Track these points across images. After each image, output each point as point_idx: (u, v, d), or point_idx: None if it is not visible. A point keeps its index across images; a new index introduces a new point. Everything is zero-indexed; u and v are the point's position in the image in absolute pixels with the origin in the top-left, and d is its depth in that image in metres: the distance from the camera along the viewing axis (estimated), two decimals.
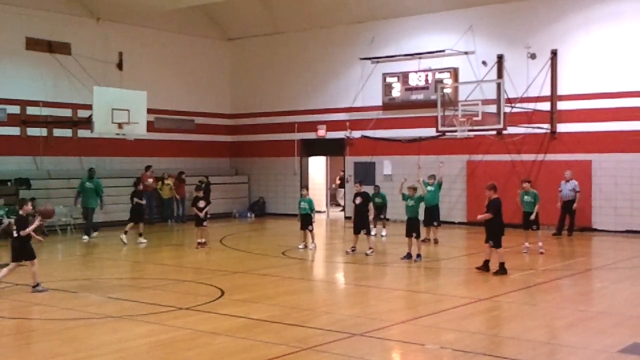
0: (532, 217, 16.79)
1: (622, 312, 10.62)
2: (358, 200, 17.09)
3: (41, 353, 8.55)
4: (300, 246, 17.83)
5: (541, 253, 16.58)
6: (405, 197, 16.00)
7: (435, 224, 18.62)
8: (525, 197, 17.04)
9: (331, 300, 12.25)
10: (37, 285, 12.25)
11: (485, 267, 14.04)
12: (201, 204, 18.36)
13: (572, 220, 20.47)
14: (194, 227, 18.68)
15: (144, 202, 20.21)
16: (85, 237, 20.20)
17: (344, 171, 27.49)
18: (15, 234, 12.24)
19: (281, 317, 10.25)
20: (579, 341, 8.94)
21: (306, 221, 17.67)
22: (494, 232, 14.02)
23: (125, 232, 19.06)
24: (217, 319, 10.15)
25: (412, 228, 15.71)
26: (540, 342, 8.95)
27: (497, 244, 13.99)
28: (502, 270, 13.81)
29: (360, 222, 17.00)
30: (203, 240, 18.24)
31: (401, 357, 8.64)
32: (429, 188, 18.13)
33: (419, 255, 15.69)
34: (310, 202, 17.82)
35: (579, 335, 9.29)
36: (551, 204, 20.03)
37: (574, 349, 8.63)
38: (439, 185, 18.61)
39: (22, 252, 12.26)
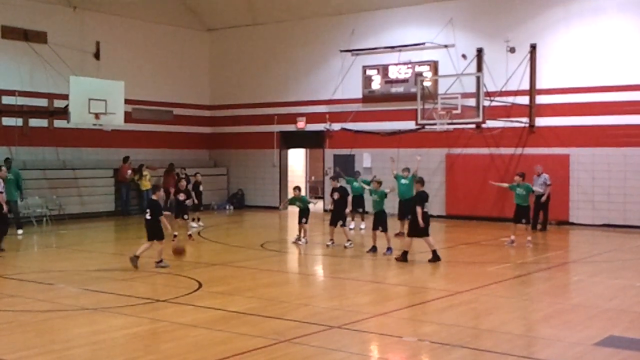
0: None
1: (598, 305, 10.69)
2: (336, 196, 17.33)
3: (16, 345, 8.43)
4: (301, 241, 17.69)
5: (528, 247, 16.67)
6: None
7: (409, 217, 18.59)
8: (518, 189, 17.10)
9: (309, 293, 12.24)
10: (161, 261, 13.61)
11: (404, 257, 14.57)
12: (181, 196, 18.25)
13: (545, 214, 20.55)
14: (174, 219, 18.55)
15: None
16: (20, 231, 19.28)
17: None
18: (148, 217, 13.55)
19: (259, 309, 10.21)
20: (556, 334, 8.99)
21: (302, 215, 17.67)
22: (416, 223, 14.48)
23: (193, 219, 20.23)
24: (194, 311, 10.09)
25: (378, 222, 15.88)
26: (517, 335, 9.00)
27: (421, 233, 14.48)
28: (435, 257, 14.47)
29: (336, 215, 17.20)
30: (189, 233, 18.22)
31: (379, 349, 8.64)
32: (403, 181, 18.29)
33: (389, 249, 15.73)
34: (304, 200, 17.98)
35: (556, 327, 9.34)
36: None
37: (551, 342, 8.68)
38: (413, 178, 18.64)
39: (153, 233, 13.58)
